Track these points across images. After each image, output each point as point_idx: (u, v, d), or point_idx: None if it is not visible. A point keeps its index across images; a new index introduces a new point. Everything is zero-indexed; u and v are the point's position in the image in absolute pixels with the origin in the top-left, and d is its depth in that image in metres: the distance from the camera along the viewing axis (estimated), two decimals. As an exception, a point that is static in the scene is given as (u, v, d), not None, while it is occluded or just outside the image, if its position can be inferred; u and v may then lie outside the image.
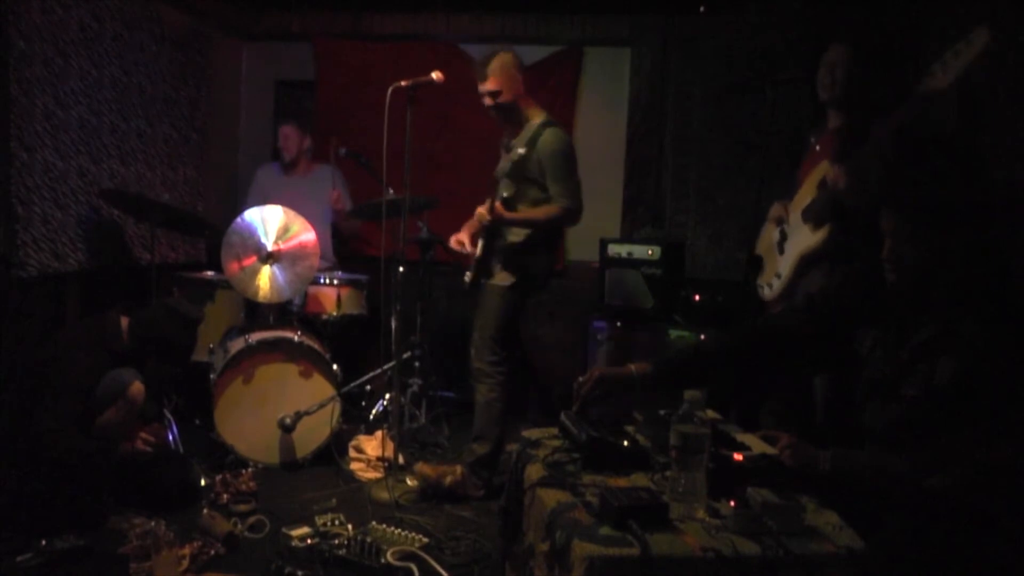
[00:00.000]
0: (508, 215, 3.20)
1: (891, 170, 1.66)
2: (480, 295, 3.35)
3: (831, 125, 2.99)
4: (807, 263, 2.87)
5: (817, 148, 3.00)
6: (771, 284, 3.08)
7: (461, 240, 3.39)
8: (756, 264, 3.29)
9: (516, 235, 3.28)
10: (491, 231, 3.27)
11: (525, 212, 3.25)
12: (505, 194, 3.25)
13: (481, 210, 3.20)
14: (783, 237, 3.04)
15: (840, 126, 2.93)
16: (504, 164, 3.34)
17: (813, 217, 2.84)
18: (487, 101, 3.26)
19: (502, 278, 3.28)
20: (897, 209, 1.64)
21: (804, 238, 2.88)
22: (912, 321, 1.68)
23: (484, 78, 3.20)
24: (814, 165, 2.92)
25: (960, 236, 1.57)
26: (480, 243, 3.32)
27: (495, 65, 3.19)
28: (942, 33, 3.68)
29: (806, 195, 2.91)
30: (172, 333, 3.00)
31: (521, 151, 3.17)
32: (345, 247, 4.69)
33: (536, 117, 3.27)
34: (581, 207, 3.24)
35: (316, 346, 3.55)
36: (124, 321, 2.96)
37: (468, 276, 3.37)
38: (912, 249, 1.61)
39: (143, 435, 2.85)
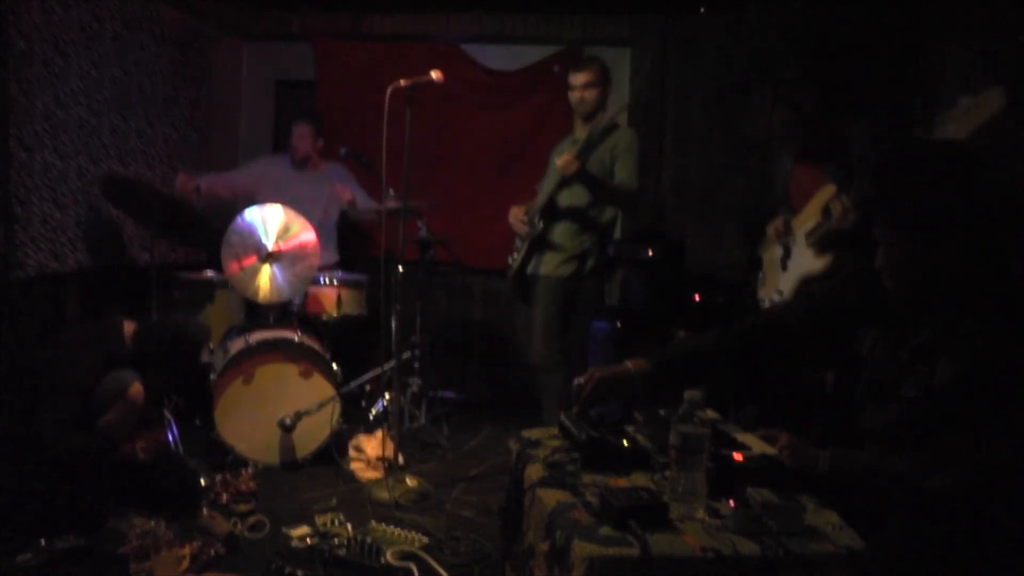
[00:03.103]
0: (587, 172, 3.38)
1: (879, 180, 1.64)
2: (534, 288, 3.54)
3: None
4: (809, 285, 2.87)
5: (816, 169, 2.99)
6: (772, 299, 3.08)
7: (518, 215, 3.63)
8: (757, 264, 3.29)
9: (575, 229, 3.49)
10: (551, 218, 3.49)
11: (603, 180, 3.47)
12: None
13: (567, 157, 3.32)
14: (786, 253, 3.03)
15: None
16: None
17: (816, 243, 2.84)
18: (579, 95, 3.54)
19: (560, 269, 3.49)
20: (888, 219, 1.63)
21: (807, 261, 2.87)
22: (912, 321, 1.68)
23: (579, 69, 3.55)
24: (815, 185, 2.90)
25: (957, 240, 1.56)
26: (534, 224, 3.54)
27: (595, 67, 3.56)
28: (942, 33, 3.68)
29: (810, 216, 2.89)
30: (176, 350, 3.02)
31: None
32: (358, 244, 4.71)
33: (604, 118, 3.55)
34: (639, 195, 3.58)
35: (316, 346, 3.55)
36: (128, 326, 2.96)
37: (514, 258, 3.61)
38: (907, 257, 1.60)
39: (141, 444, 2.84)
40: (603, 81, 3.54)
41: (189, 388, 3.66)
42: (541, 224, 3.51)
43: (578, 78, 3.53)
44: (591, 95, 3.52)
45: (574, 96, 3.56)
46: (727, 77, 4.56)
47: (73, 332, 3.07)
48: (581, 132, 3.58)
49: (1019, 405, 1.49)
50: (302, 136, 4.32)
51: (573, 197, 3.48)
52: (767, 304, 3.12)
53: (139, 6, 4.10)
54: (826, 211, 2.79)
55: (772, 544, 1.40)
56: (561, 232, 3.50)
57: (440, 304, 5.05)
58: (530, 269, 3.57)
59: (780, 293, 3.02)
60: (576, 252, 3.49)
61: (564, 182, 3.42)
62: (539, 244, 3.54)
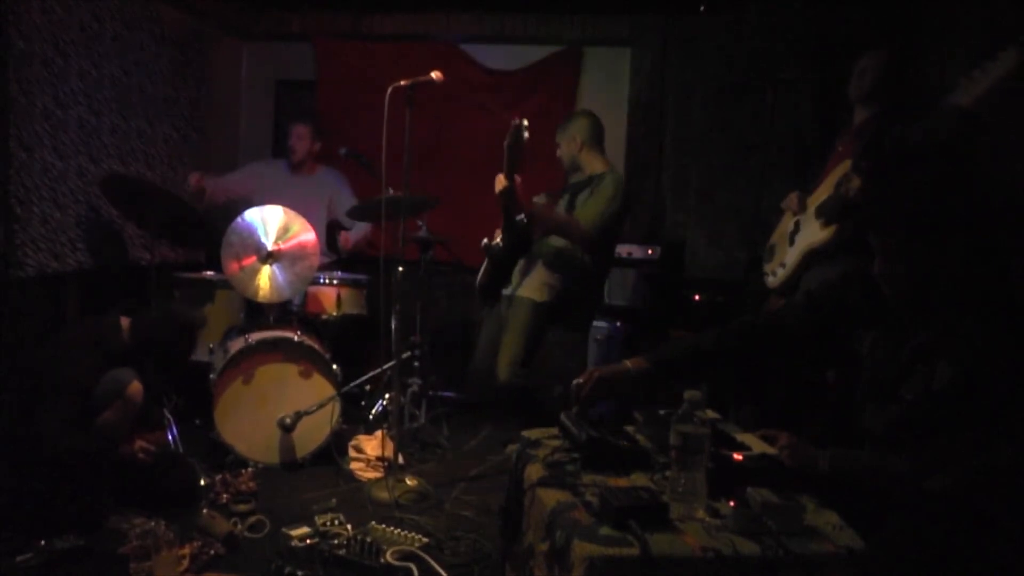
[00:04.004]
0: (523, 199, 3.28)
1: (875, 183, 1.64)
2: (508, 307, 3.48)
3: (856, 122, 2.99)
4: (812, 258, 2.90)
5: (840, 148, 3.01)
6: (775, 272, 3.10)
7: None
8: (757, 263, 3.30)
9: (559, 251, 3.44)
10: (522, 235, 3.38)
11: (551, 210, 3.44)
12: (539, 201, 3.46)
13: (499, 176, 3.25)
14: (796, 228, 3.06)
15: (862, 122, 2.94)
16: (543, 197, 3.59)
17: (825, 214, 2.86)
18: (557, 153, 3.65)
19: (536, 292, 3.43)
20: (885, 221, 1.62)
21: (813, 232, 2.91)
22: (912, 322, 1.68)
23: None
24: (838, 163, 2.93)
25: (956, 242, 1.55)
26: (499, 235, 3.45)
27: (566, 124, 3.64)
28: (941, 33, 3.68)
29: (824, 191, 2.93)
30: (172, 337, 3.01)
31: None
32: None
33: (598, 166, 3.55)
34: (595, 239, 3.39)
35: (316, 346, 3.55)
36: (125, 322, 2.96)
37: (480, 274, 3.54)
38: (904, 260, 1.60)
39: (141, 445, 2.84)
40: (569, 138, 3.59)
41: (189, 388, 3.66)
42: (498, 241, 3.49)
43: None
44: (560, 153, 3.63)
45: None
46: (727, 77, 4.56)
47: (72, 331, 3.06)
48: (572, 180, 3.64)
49: (1019, 406, 1.49)
50: (300, 137, 4.33)
51: (551, 238, 3.50)
52: (770, 278, 3.14)
53: (139, 6, 4.10)
54: (838, 184, 2.81)
55: (772, 544, 1.40)
56: (538, 268, 3.49)
57: (440, 304, 5.04)
58: (508, 290, 3.54)
59: (783, 266, 3.04)
60: (550, 282, 3.44)
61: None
62: (505, 265, 3.51)
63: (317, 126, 4.47)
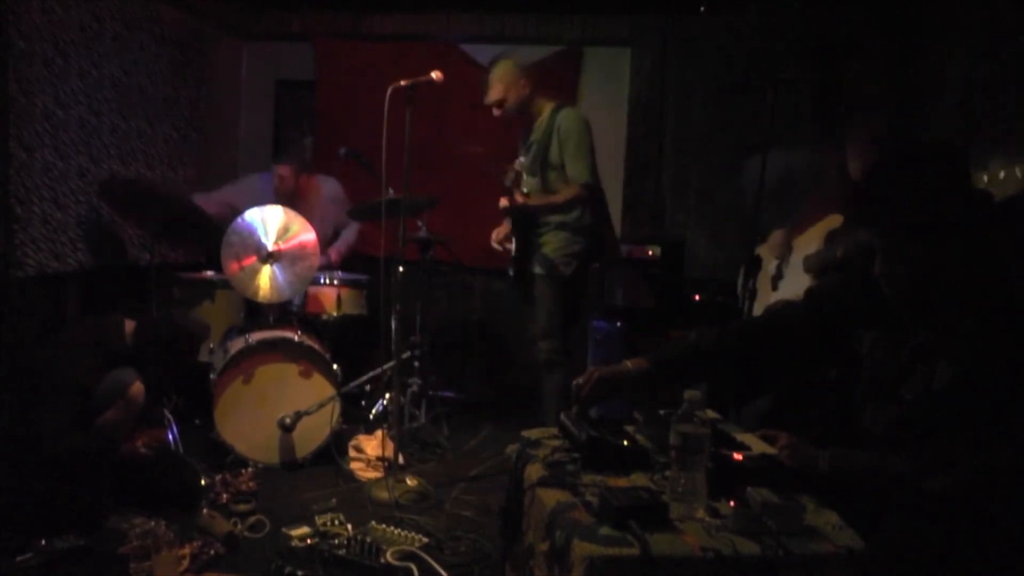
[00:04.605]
0: (528, 202, 3.38)
1: (874, 183, 1.63)
2: (532, 286, 3.51)
3: (853, 164, 2.84)
4: None
5: (832, 179, 2.90)
6: None
7: (499, 241, 3.62)
8: (756, 264, 3.28)
9: (556, 232, 3.43)
10: (523, 225, 3.45)
11: (544, 198, 3.45)
12: (526, 190, 3.45)
13: (503, 201, 3.38)
14: (779, 274, 3.00)
15: (858, 173, 2.80)
16: (523, 160, 3.52)
17: (815, 269, 2.79)
18: (496, 112, 3.54)
19: (561, 267, 3.47)
20: (884, 222, 1.62)
21: (801, 286, 2.84)
22: (912, 323, 1.68)
23: (488, 89, 3.50)
24: (826, 207, 2.85)
25: (956, 242, 1.55)
26: (514, 240, 3.51)
27: (495, 75, 3.50)
28: (941, 33, 3.68)
29: (812, 239, 2.84)
30: (176, 346, 3.02)
31: (537, 138, 3.44)
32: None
33: (547, 107, 3.51)
34: (597, 183, 3.43)
35: (316, 346, 3.55)
36: (129, 325, 2.96)
37: (511, 271, 3.58)
38: (903, 264, 1.59)
39: (143, 441, 2.85)
40: (515, 84, 3.49)
41: (189, 388, 3.66)
42: (513, 247, 3.52)
43: (487, 98, 3.54)
44: (500, 96, 3.51)
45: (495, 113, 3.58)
46: (727, 77, 4.57)
47: (72, 331, 3.07)
48: (531, 133, 3.58)
49: (1019, 406, 1.49)
50: (284, 180, 4.30)
51: (549, 229, 3.49)
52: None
53: (139, 6, 4.10)
54: (828, 239, 2.75)
55: (772, 544, 1.40)
56: (550, 237, 3.48)
57: (440, 304, 5.05)
58: (532, 268, 3.55)
59: None
60: (570, 252, 3.46)
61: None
62: (527, 237, 3.52)
63: (301, 159, 4.44)
